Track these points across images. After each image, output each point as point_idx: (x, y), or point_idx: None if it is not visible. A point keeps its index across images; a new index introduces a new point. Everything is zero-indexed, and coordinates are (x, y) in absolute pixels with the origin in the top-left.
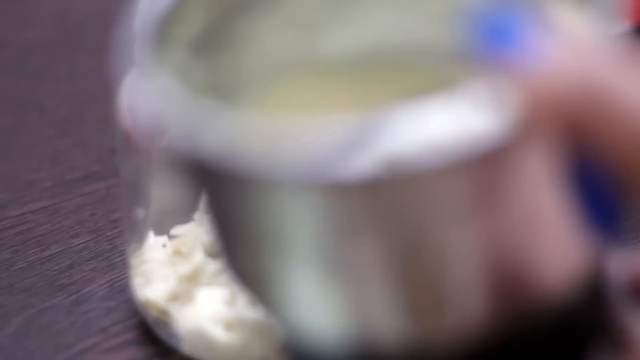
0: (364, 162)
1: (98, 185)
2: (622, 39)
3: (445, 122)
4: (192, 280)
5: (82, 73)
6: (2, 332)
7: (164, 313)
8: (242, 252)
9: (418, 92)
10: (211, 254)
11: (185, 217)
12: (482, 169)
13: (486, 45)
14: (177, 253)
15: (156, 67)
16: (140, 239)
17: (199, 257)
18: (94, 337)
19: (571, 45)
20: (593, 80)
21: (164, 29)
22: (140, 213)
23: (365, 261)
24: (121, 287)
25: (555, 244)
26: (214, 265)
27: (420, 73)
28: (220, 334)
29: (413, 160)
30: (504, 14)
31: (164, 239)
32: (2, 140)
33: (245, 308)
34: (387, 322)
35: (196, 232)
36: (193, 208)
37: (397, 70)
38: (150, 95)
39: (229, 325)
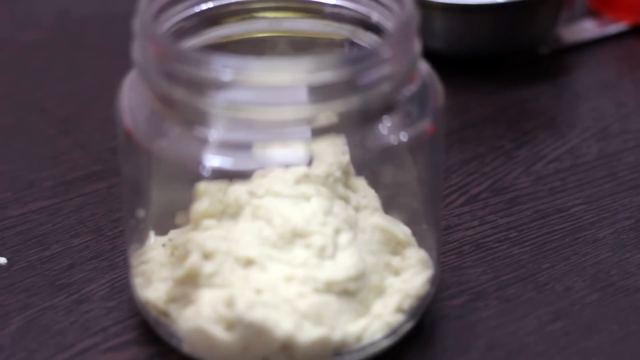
0: None
1: (99, 185)
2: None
3: None
4: (190, 281)
5: (82, 73)
6: (2, 332)
7: (164, 313)
8: None
9: None
10: (207, 256)
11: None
12: None
13: None
14: (174, 254)
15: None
16: (141, 239)
17: (195, 258)
18: (94, 337)
19: None
20: None
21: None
22: (140, 213)
23: None
24: (122, 287)
25: None
26: (210, 267)
27: None
28: (220, 334)
29: None
30: None
31: (164, 239)
32: (3, 140)
33: (245, 308)
34: None
35: (192, 233)
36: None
37: None
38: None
39: (229, 325)
